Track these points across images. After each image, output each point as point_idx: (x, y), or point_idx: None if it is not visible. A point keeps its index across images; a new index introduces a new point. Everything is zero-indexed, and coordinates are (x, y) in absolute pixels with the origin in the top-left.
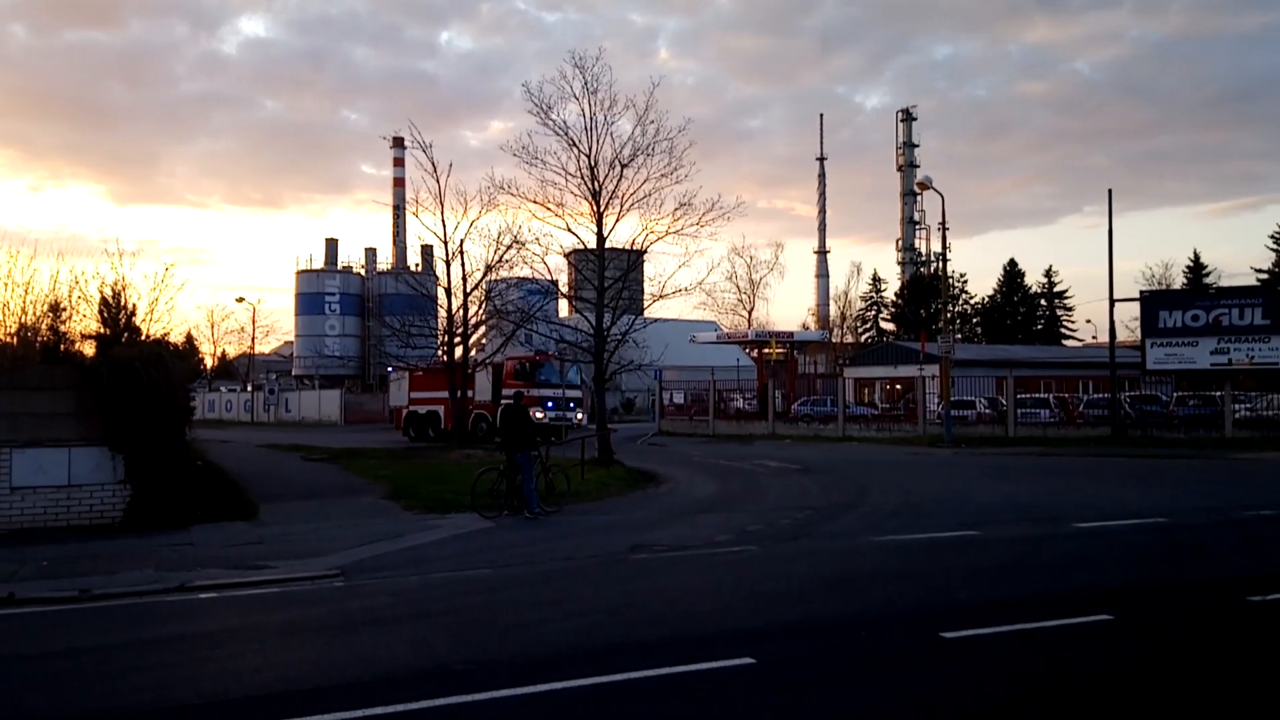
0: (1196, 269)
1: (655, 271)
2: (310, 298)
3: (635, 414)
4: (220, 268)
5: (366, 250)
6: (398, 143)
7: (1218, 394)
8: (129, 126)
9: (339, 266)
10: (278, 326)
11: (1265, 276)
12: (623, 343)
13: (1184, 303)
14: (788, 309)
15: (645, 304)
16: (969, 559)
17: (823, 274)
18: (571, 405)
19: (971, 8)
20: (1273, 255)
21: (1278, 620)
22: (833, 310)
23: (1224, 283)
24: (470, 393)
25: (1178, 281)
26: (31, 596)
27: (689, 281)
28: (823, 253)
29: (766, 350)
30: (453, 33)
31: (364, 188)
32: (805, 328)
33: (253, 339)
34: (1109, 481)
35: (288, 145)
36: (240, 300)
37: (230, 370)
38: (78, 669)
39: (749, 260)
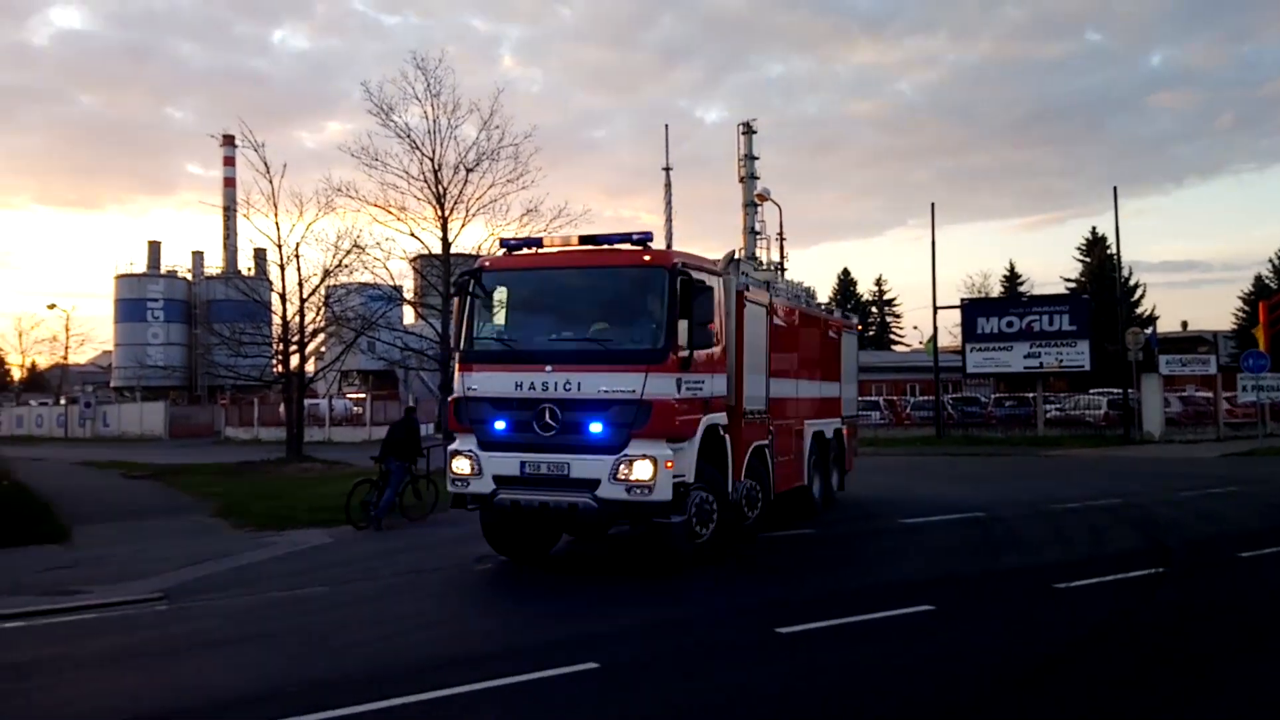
0: (1012, 278)
1: None
2: (131, 304)
3: None
4: (30, 272)
5: (193, 254)
6: (228, 141)
7: (1031, 395)
8: None
9: (163, 271)
10: (94, 335)
11: (1073, 285)
12: None
13: (1000, 310)
14: None
15: None
16: (806, 554)
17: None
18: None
19: (801, 29)
20: (1080, 265)
21: (1081, 606)
22: None
23: (1036, 291)
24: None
25: (996, 290)
26: None
27: None
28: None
29: None
30: (286, 31)
31: (191, 188)
32: None
33: (66, 348)
34: (933, 479)
35: (106, 143)
36: (52, 307)
37: (41, 383)
38: None
39: None
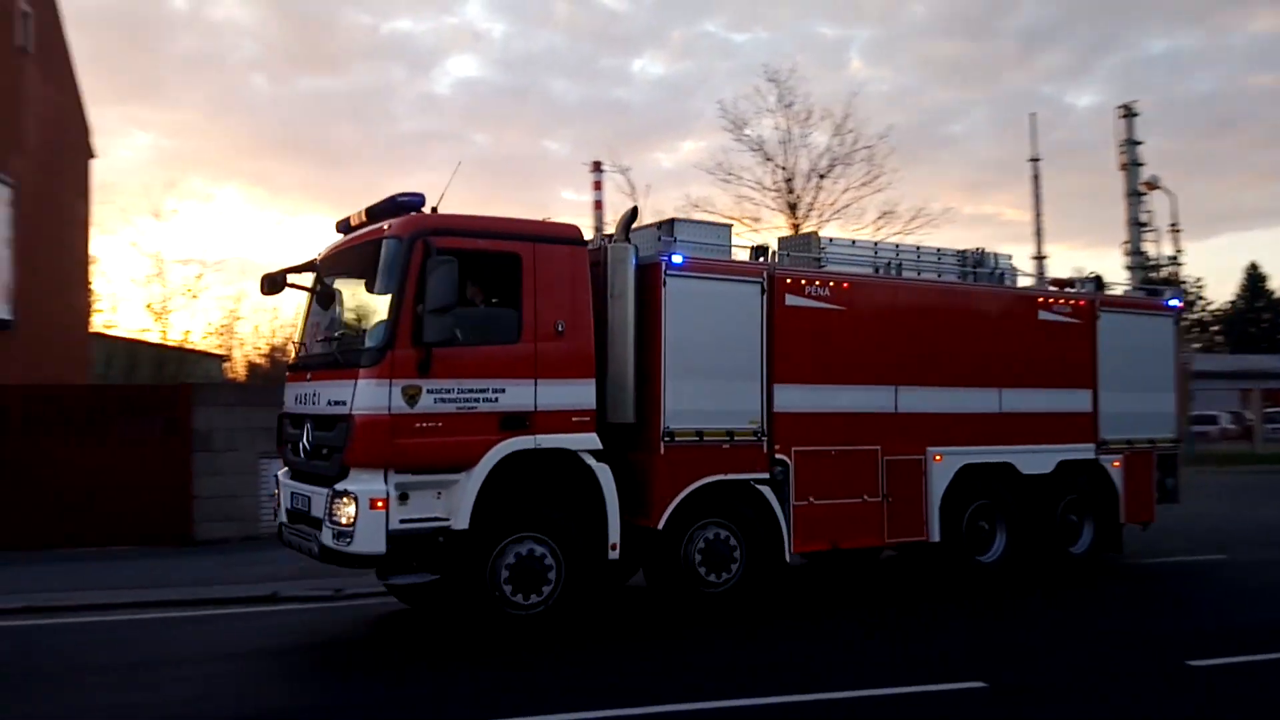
0: None
1: None
2: None
3: None
4: None
5: None
6: (596, 167)
7: None
8: (356, 163)
9: None
10: None
11: None
12: None
13: None
14: None
15: None
16: (1213, 584)
17: (1042, 280)
18: None
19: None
20: None
21: None
22: None
23: None
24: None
25: None
26: (291, 595)
27: None
28: (1040, 258)
29: None
30: (645, 60)
31: (564, 212)
32: None
33: None
34: None
35: (496, 176)
36: None
37: None
38: (322, 661)
39: None
